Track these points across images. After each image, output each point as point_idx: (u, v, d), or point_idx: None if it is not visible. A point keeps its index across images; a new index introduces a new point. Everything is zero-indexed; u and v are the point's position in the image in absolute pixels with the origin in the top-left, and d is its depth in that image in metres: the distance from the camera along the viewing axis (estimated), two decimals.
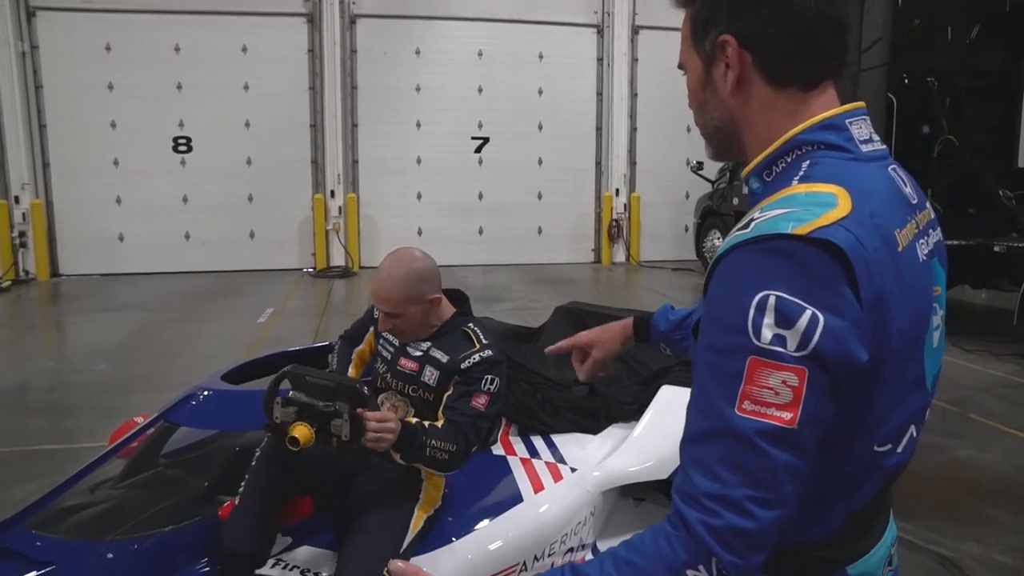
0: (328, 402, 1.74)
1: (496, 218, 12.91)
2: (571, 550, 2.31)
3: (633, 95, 13.31)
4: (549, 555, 2.23)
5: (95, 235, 11.67)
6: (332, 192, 12.26)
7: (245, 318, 8.49)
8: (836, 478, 0.94)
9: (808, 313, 0.81)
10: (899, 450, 0.97)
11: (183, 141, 11.94)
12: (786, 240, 0.83)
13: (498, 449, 2.54)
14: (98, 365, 6.49)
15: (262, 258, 12.12)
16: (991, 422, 4.99)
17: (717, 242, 11.55)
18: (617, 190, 13.34)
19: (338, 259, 12.31)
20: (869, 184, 0.91)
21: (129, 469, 2.32)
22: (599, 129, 13.35)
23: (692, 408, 0.89)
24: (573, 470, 2.47)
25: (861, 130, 0.97)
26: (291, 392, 1.77)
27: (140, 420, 2.51)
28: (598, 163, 13.44)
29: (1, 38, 10.96)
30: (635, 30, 13.13)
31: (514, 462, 2.46)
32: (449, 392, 2.06)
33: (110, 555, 1.92)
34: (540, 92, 12.97)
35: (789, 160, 0.95)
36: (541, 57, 12.91)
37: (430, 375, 2.09)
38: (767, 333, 0.82)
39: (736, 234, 0.89)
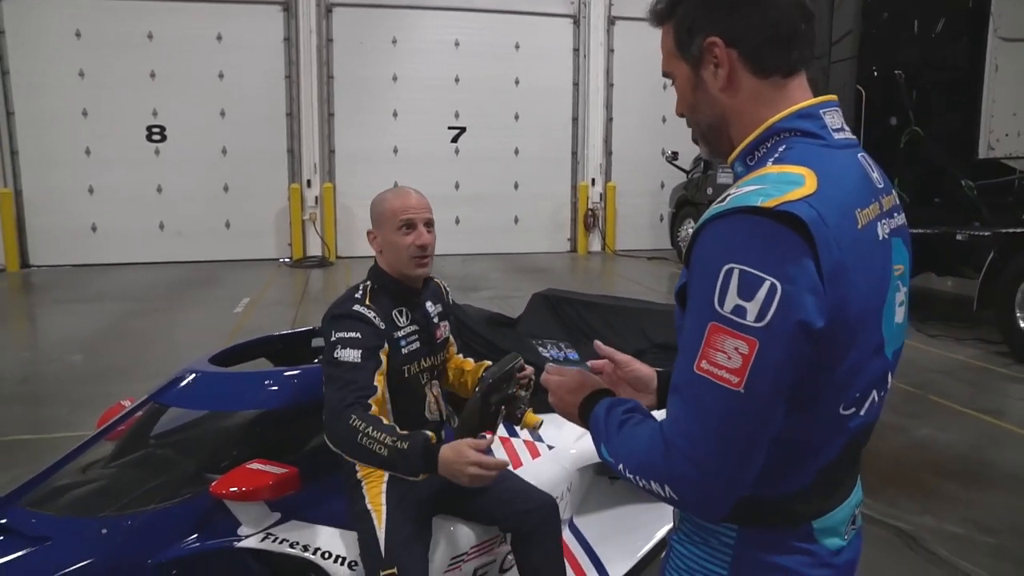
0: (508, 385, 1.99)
1: (473, 208, 12.94)
2: None
3: (609, 85, 13.40)
4: None
5: (67, 225, 11.51)
6: (308, 182, 12.23)
7: (222, 308, 8.48)
8: (805, 437, 1.03)
9: (767, 284, 0.91)
10: (862, 413, 1.06)
11: (157, 130, 11.83)
12: (754, 212, 0.94)
13: None
14: (73, 356, 6.46)
15: (238, 248, 12.05)
16: (950, 403, 5.18)
17: (691, 231, 11.67)
18: (593, 180, 13.45)
19: (315, 249, 12.29)
20: (836, 168, 1.02)
21: (119, 450, 2.37)
22: (575, 119, 13.44)
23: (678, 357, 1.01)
24: (550, 447, 2.57)
25: (833, 119, 1.08)
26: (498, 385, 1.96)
27: (127, 403, 2.57)
28: (574, 153, 13.53)
29: None
30: (611, 20, 13.21)
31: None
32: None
33: (104, 530, 1.98)
34: (517, 82, 13.02)
35: (768, 145, 1.06)
36: (518, 47, 12.95)
37: (446, 329, 2.32)
38: (729, 303, 0.92)
39: (713, 207, 1.00)
